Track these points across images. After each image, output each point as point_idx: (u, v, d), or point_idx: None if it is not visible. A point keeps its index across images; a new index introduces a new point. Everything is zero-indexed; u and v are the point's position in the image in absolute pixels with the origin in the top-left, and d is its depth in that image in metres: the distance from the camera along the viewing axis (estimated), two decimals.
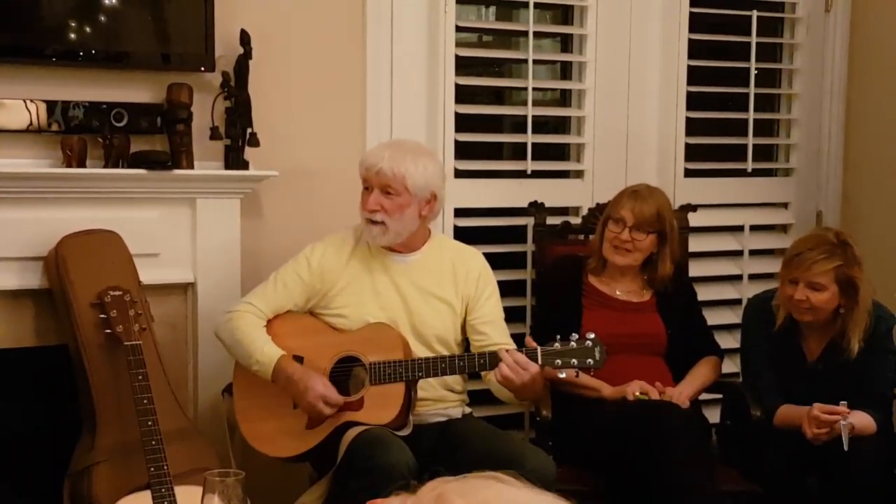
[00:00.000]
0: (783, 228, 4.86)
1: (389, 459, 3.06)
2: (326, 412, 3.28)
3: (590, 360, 3.26)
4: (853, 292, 3.59)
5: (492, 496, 0.89)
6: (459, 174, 4.18)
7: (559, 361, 3.26)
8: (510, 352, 3.26)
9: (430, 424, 3.45)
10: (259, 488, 3.35)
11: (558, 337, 3.28)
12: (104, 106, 3.51)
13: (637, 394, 3.61)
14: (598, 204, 4.17)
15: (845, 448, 3.37)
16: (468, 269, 3.52)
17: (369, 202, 3.38)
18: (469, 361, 3.32)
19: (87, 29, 3.52)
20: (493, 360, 3.29)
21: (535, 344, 3.27)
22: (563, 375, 3.33)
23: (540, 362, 3.28)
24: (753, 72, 4.67)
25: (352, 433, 3.24)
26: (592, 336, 3.27)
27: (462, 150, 4.18)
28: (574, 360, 3.26)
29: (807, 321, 3.66)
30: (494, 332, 3.51)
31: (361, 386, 3.33)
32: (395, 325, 3.40)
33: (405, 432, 3.30)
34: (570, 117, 4.50)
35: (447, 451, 3.32)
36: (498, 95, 4.64)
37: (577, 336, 3.28)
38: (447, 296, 3.49)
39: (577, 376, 3.48)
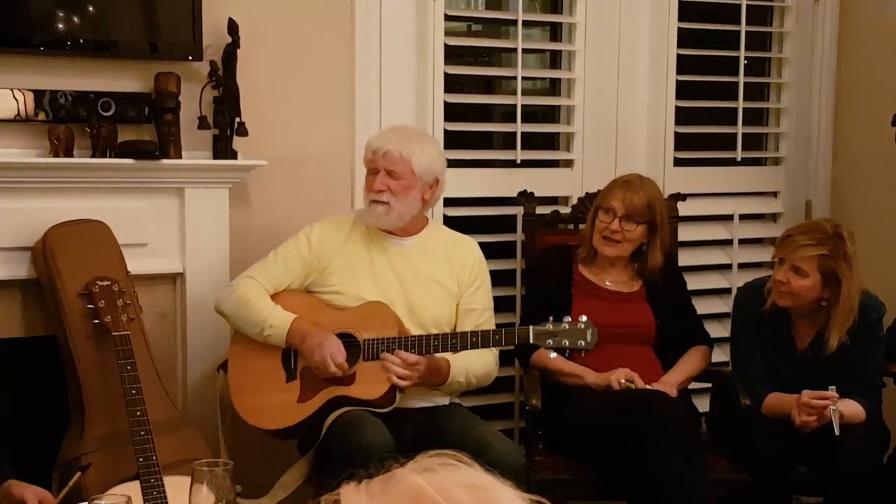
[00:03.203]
0: (773, 217, 4.86)
1: (364, 440, 3.11)
2: (332, 368, 3.30)
3: (581, 341, 3.30)
4: (836, 286, 3.58)
5: (446, 475, 0.92)
6: (449, 164, 4.13)
7: (550, 341, 3.30)
8: (396, 352, 3.30)
9: (413, 409, 3.48)
10: (247, 471, 3.36)
11: (551, 317, 3.30)
12: (91, 95, 3.49)
13: (622, 381, 3.61)
14: (587, 193, 4.16)
15: (836, 433, 3.38)
16: (463, 257, 3.57)
17: (376, 183, 3.43)
18: (462, 339, 3.36)
19: (75, 18, 3.51)
20: (485, 339, 3.36)
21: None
22: (553, 356, 3.35)
23: (532, 341, 3.33)
24: (743, 61, 4.66)
25: (334, 415, 3.29)
26: (585, 318, 3.31)
27: (451, 140, 4.17)
28: (566, 340, 3.30)
29: (787, 305, 3.66)
30: (477, 322, 3.54)
31: (355, 361, 3.35)
32: (392, 305, 3.44)
33: (389, 408, 3.34)
34: (559, 106, 4.49)
35: (429, 437, 3.36)
36: (487, 85, 4.63)
37: (570, 318, 3.31)
38: (443, 279, 3.53)
39: (567, 356, 3.49)
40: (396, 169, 3.41)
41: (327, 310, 3.46)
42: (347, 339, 3.38)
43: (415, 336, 3.37)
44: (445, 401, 3.56)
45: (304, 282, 3.50)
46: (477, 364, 3.49)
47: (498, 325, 3.67)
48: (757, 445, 3.57)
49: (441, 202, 4.11)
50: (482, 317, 3.57)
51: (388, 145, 3.42)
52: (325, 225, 3.53)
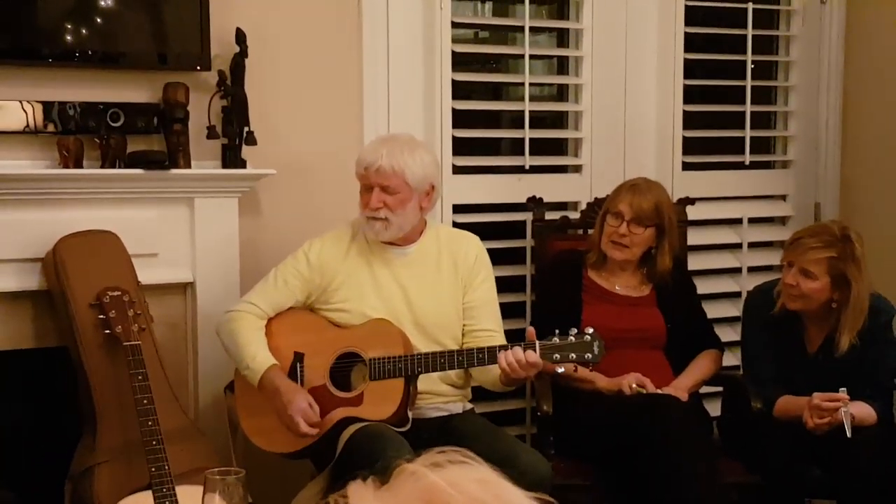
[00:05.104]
0: (782, 221, 4.86)
1: (389, 455, 3.05)
2: (303, 429, 3.28)
3: (588, 354, 3.25)
4: (846, 288, 3.58)
5: (457, 470, 0.93)
6: (457, 170, 4.17)
7: (557, 356, 3.25)
8: (514, 351, 3.24)
9: (429, 419, 3.44)
10: (261, 485, 3.36)
11: (557, 331, 3.27)
12: (101, 106, 3.50)
13: (633, 386, 3.60)
14: (596, 198, 4.16)
15: (848, 435, 3.37)
16: (465, 254, 3.53)
17: (372, 201, 3.37)
18: (468, 357, 3.32)
19: (84, 30, 3.52)
20: (491, 355, 3.29)
21: (534, 337, 3.26)
22: (561, 370, 3.32)
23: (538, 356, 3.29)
24: (750, 64, 4.66)
25: (351, 429, 3.24)
26: (591, 330, 3.26)
27: (460, 147, 4.17)
28: (572, 354, 3.25)
29: (797, 308, 3.66)
30: (482, 317, 3.51)
31: (361, 381, 3.33)
32: (397, 318, 3.40)
33: (404, 428, 3.30)
34: (567, 112, 4.50)
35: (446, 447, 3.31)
36: (495, 91, 4.63)
37: (576, 330, 3.27)
38: (447, 284, 3.49)
39: (575, 370, 3.48)
40: (391, 184, 3.36)
41: (332, 328, 3.43)
42: (353, 358, 3.36)
43: (422, 354, 3.33)
44: (459, 408, 3.53)
45: (306, 301, 3.47)
46: None
47: (506, 331, 3.66)
48: (769, 448, 3.57)
49: (450, 209, 4.12)
50: (485, 313, 3.52)
51: (380, 160, 3.36)
52: (325, 241, 3.49)
